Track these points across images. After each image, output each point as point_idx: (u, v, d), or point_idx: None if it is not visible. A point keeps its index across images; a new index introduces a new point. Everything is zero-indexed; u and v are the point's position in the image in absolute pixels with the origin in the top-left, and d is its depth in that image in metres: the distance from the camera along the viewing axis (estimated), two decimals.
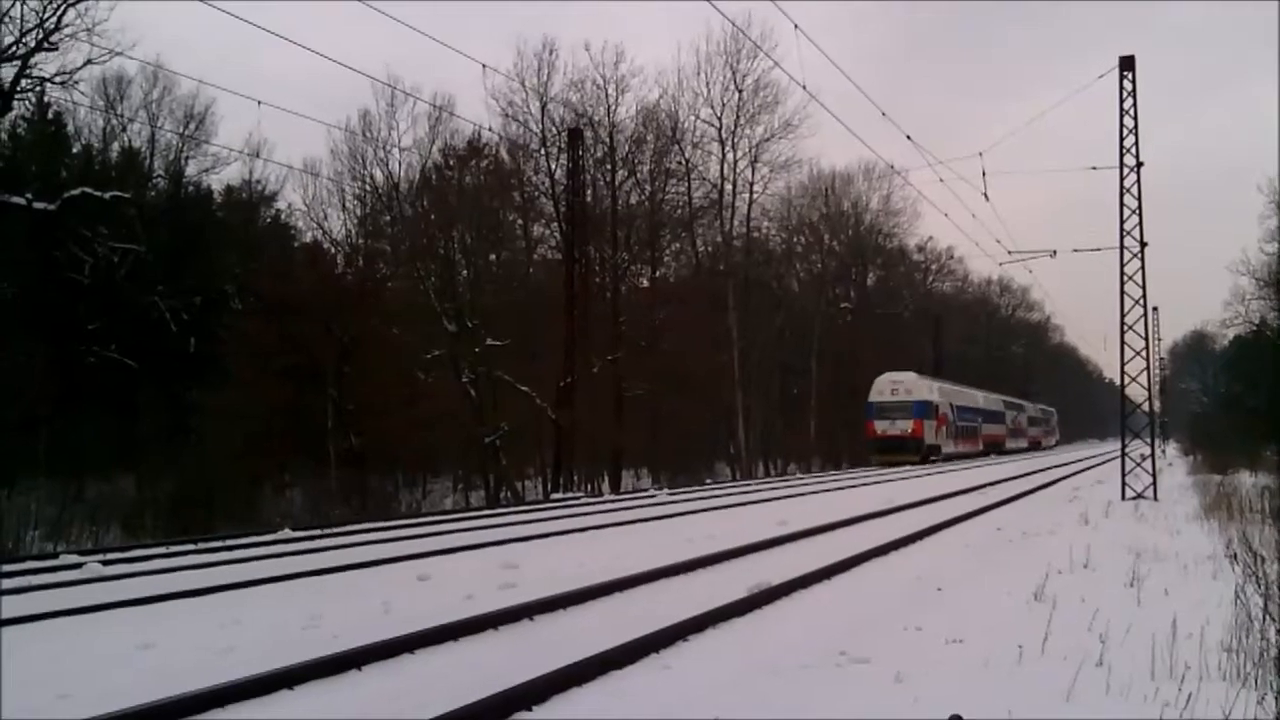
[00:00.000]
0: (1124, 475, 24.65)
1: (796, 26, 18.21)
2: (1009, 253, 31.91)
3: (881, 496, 24.30)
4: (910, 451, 54.37)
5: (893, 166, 38.82)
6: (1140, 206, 24.74)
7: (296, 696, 6.43)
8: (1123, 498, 23.43)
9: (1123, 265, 24.98)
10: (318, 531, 18.01)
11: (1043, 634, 7.32)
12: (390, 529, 18.03)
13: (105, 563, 12.72)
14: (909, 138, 24.56)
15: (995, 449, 72.88)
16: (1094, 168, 26.67)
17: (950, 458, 59.49)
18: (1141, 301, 24.94)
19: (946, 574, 11.50)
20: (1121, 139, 24.72)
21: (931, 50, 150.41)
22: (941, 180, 28.19)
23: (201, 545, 15.70)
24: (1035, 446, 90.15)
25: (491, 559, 12.82)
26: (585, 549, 14.41)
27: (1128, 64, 24.75)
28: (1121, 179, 24.78)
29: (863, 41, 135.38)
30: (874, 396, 56.78)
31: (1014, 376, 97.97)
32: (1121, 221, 24.87)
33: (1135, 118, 24.59)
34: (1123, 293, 24.99)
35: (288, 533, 17.48)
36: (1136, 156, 24.62)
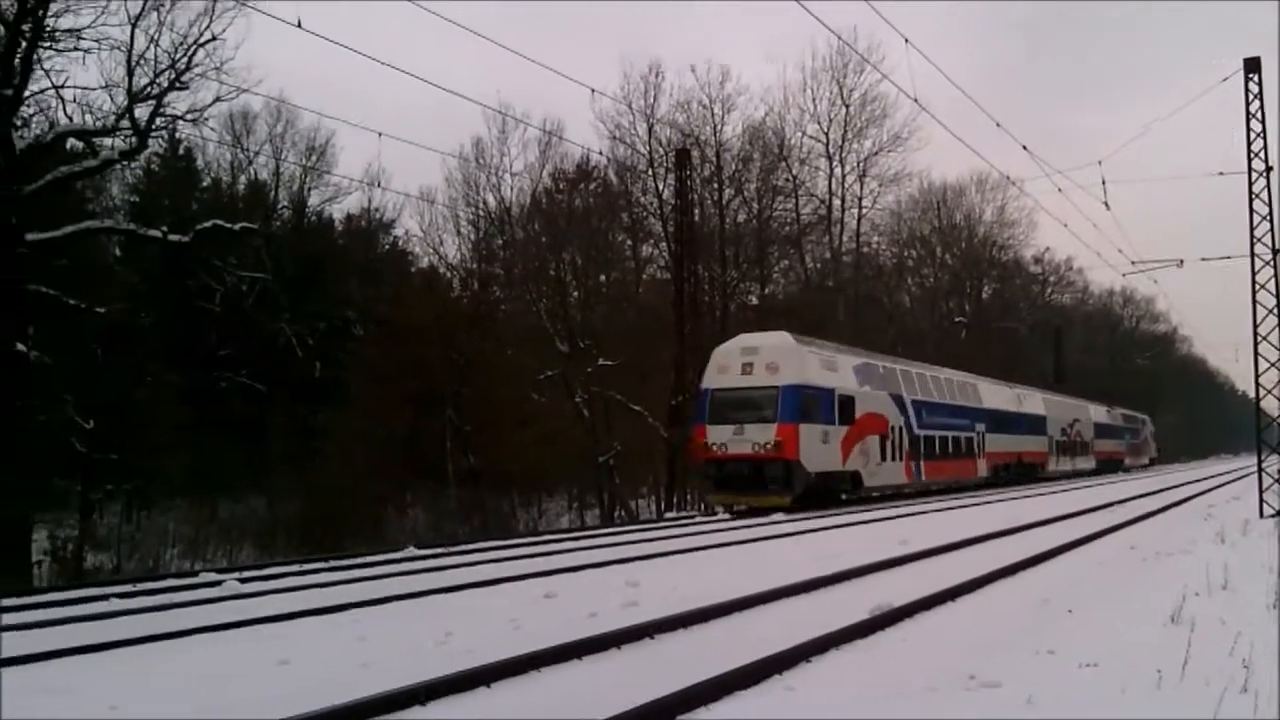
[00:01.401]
0: (1261, 491, 23.58)
1: (907, 41, 17.98)
2: (1132, 263, 30.92)
3: (1005, 516, 23.70)
4: (772, 486, 27.82)
5: (1008, 177, 37.94)
6: (1271, 213, 23.73)
7: (429, 712, 6.61)
8: (1260, 515, 22.38)
9: (1254, 274, 23.97)
10: (441, 550, 18.42)
11: (1182, 658, 7.07)
12: (511, 547, 18.33)
13: (242, 580, 13.24)
14: (1025, 148, 24.04)
15: (1023, 472, 48.03)
16: (1220, 173, 25.74)
17: (899, 496, 34.67)
18: (1275, 311, 23.87)
19: (1077, 595, 11.18)
20: (1249, 143, 23.79)
21: (1047, 57, 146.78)
22: (1060, 190, 27.49)
23: (332, 563, 16.21)
24: (1111, 466, 66.74)
25: (612, 577, 12.94)
26: (703, 568, 14.44)
27: (1253, 66, 23.80)
28: (1250, 184, 23.83)
29: (975, 51, 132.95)
30: (712, 378, 29.69)
31: (1139, 390, 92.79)
32: (1252, 229, 23.88)
33: (1263, 121, 23.64)
34: (1255, 302, 23.97)
35: (412, 551, 17.92)
36: (1265, 160, 23.67)
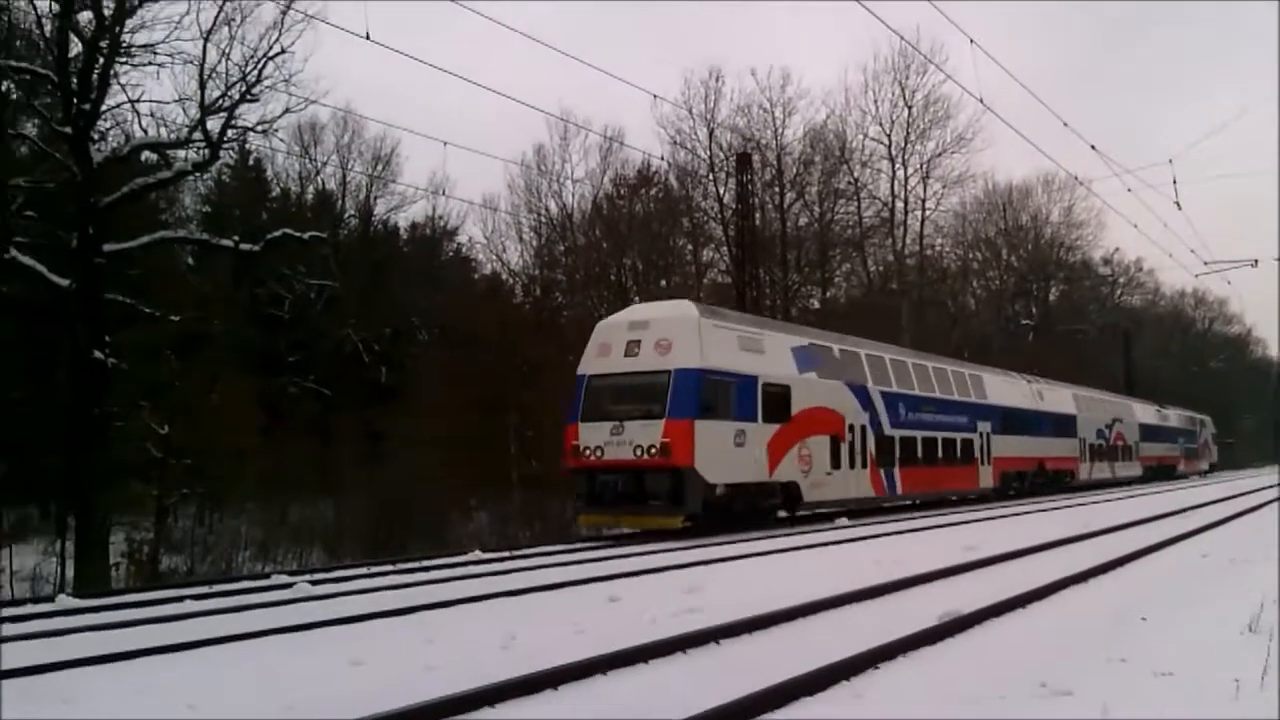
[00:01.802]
0: None
1: (972, 40, 17.80)
2: (1205, 263, 30.26)
3: (1076, 521, 23.27)
4: (655, 501, 20.90)
5: (1076, 177, 37.31)
6: None
7: (498, 714, 6.67)
8: None
9: None
10: (506, 553, 18.58)
11: (1261, 667, 6.91)
12: (572, 551, 18.43)
13: (313, 582, 13.48)
14: (1093, 147, 23.68)
15: (1048, 481, 40.72)
16: None
17: (867, 512, 27.75)
18: None
19: (1151, 602, 10.95)
20: None
21: (1116, 54, 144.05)
22: (1129, 190, 27.03)
23: (399, 566, 16.43)
24: (1162, 473, 59.07)
25: (676, 582, 12.95)
26: (768, 573, 14.39)
27: None
28: None
29: (1042, 49, 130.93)
30: (589, 362, 23.01)
31: (1210, 394, 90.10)
32: None
33: None
34: None
35: (478, 554, 18.11)
36: None
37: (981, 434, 34.99)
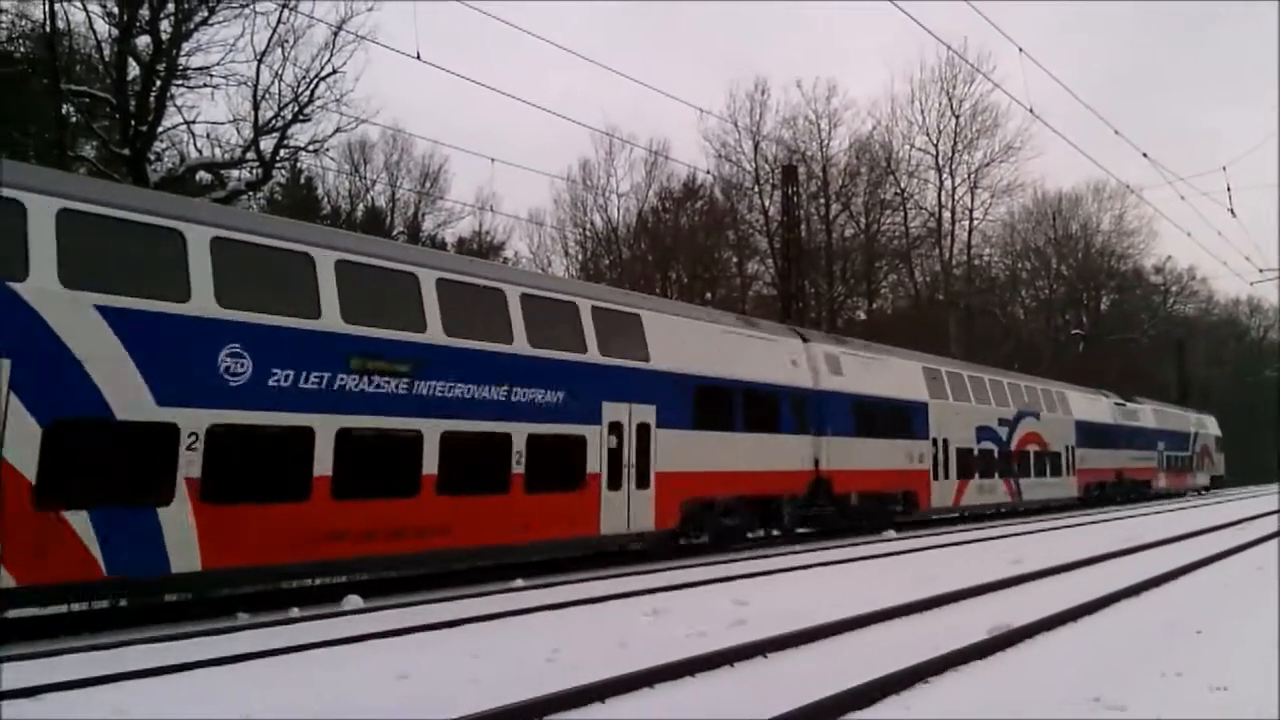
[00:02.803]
0: None
1: (1021, 49, 17.68)
2: (1260, 270, 29.73)
3: (1124, 534, 22.92)
4: None
5: (1127, 185, 36.88)
6: None
7: None
8: None
9: None
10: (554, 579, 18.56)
11: None
12: (614, 565, 18.40)
13: (363, 596, 13.60)
14: (1145, 155, 23.36)
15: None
16: None
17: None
18: None
19: (1204, 616, 10.76)
20: None
21: (1169, 60, 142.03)
22: (1183, 198, 26.64)
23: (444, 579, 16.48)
24: (1126, 491, 43.91)
25: (721, 595, 12.92)
26: (813, 586, 14.30)
27: None
28: None
29: (1092, 56, 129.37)
30: None
31: (1266, 402, 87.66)
32: None
33: None
34: None
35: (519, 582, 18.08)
36: None
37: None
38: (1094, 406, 41.13)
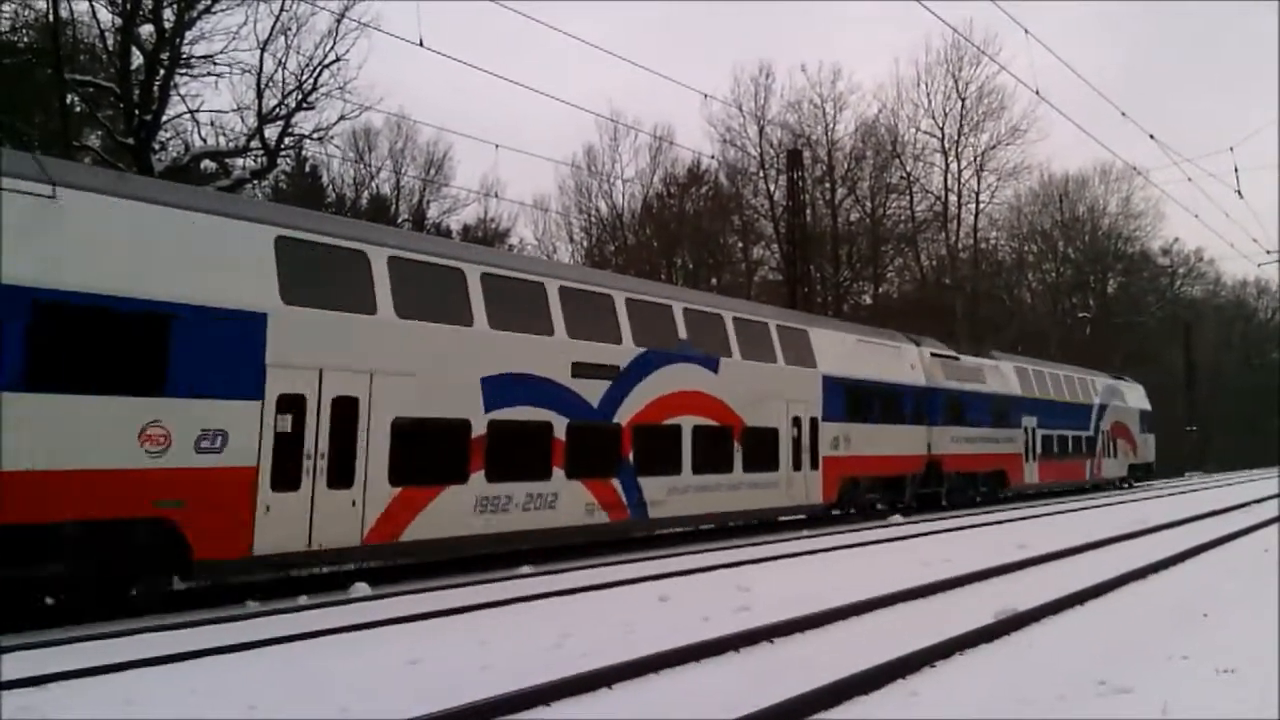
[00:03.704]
0: None
1: (1027, 31, 17.61)
2: (1268, 252, 29.62)
3: (1132, 517, 22.90)
4: None
5: (1134, 167, 36.66)
6: None
7: (554, 712, 6.74)
8: None
9: None
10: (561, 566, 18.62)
11: None
12: (622, 550, 18.45)
13: (372, 584, 13.65)
14: (1152, 136, 23.30)
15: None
16: None
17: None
18: None
19: (1211, 599, 10.78)
20: None
21: (1174, 43, 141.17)
22: (1189, 179, 26.55)
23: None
24: (992, 483, 32.63)
25: (726, 581, 12.96)
26: (819, 571, 14.33)
27: None
28: None
29: (1098, 38, 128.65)
30: None
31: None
32: None
33: None
34: None
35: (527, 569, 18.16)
36: None
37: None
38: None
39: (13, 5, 27.58)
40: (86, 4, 26.64)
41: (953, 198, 56.63)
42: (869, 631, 9.42)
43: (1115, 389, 43.73)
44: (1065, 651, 8.41)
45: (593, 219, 54.57)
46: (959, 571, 12.78)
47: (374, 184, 47.68)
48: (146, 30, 27.53)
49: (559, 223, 54.38)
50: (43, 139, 25.97)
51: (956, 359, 31.06)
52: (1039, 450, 34.87)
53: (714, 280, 53.16)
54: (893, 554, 16.65)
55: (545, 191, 77.00)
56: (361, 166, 46.99)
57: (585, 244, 54.63)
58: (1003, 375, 33.67)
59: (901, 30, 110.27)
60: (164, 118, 27.86)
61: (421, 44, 17.75)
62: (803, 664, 7.80)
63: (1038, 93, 21.76)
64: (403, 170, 48.07)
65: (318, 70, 29.16)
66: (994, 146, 56.39)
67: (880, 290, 55.96)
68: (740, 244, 54.56)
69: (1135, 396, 46.37)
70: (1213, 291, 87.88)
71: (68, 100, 25.88)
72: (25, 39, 27.61)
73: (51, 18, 24.52)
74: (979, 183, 57.25)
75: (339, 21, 29.13)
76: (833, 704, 6.73)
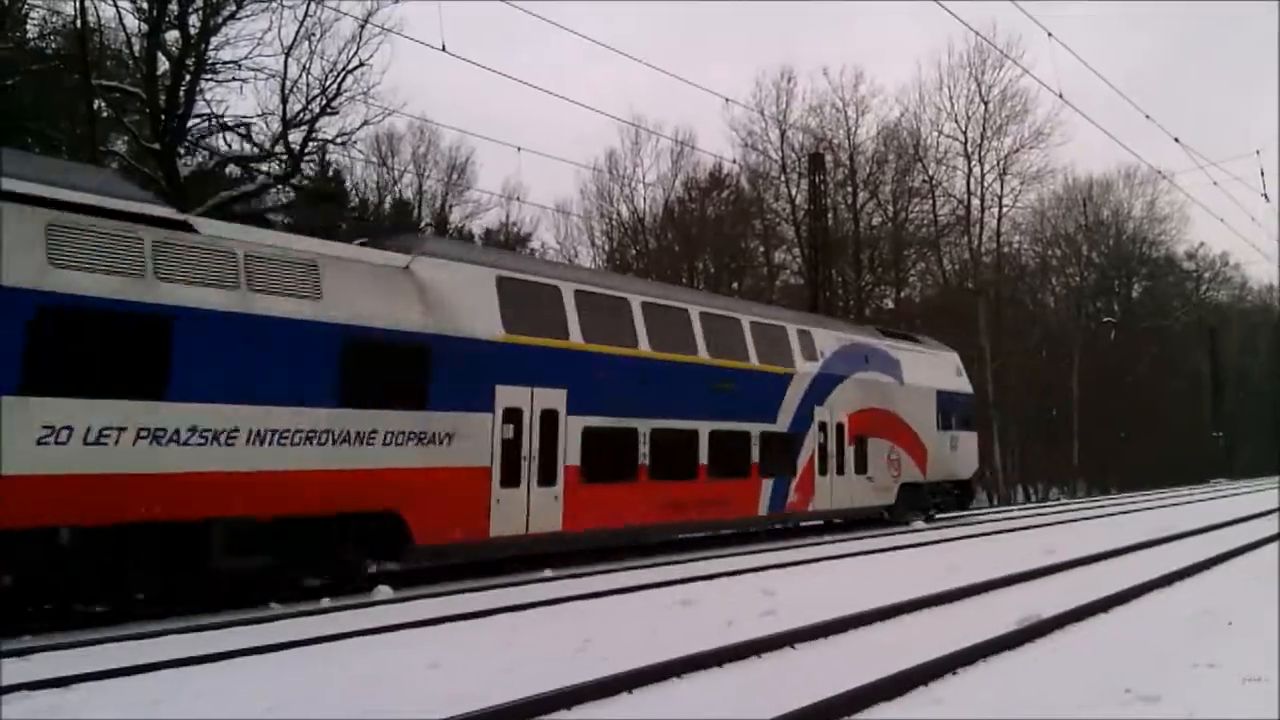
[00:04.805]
0: None
1: (1050, 34, 17.52)
2: None
3: (1160, 522, 22.72)
4: None
5: (1159, 171, 36.43)
6: None
7: (574, 716, 6.73)
8: None
9: None
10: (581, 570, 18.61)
11: None
12: (644, 555, 18.44)
13: (395, 586, 13.70)
14: (1177, 140, 23.11)
15: None
16: None
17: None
18: None
19: (1238, 606, 10.65)
20: None
21: (1198, 45, 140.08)
22: (1215, 183, 26.43)
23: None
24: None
25: (749, 585, 12.93)
26: (843, 576, 14.29)
27: None
28: None
29: (1122, 41, 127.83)
30: None
31: None
32: None
33: None
34: None
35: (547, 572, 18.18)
36: None
37: None
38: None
39: (41, 12, 27.90)
40: (113, 10, 26.91)
41: (975, 201, 56.36)
42: (894, 637, 9.37)
43: (874, 354, 25.36)
44: (1090, 659, 8.34)
45: (614, 223, 54.66)
46: (984, 577, 12.69)
47: (397, 188, 47.91)
48: (172, 36, 27.79)
49: (580, 227, 54.49)
50: (70, 144, 26.22)
51: None
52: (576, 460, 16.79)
53: (735, 285, 53.10)
54: (920, 559, 16.59)
55: (567, 195, 77.16)
56: (385, 171, 47.23)
57: (606, 248, 54.71)
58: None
59: (924, 33, 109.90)
60: (189, 123, 28.08)
61: (444, 49, 17.84)
62: (826, 670, 7.76)
63: (1061, 96, 21.68)
64: (425, 174, 48.30)
65: (341, 75, 29.36)
66: (1017, 150, 56.07)
67: (902, 294, 55.76)
68: (762, 248, 54.48)
69: (932, 370, 27.80)
70: (1239, 296, 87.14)
71: (95, 106, 26.11)
72: (53, 45, 27.89)
73: (79, 24, 24.76)
74: (1002, 186, 56.95)
75: (362, 27, 29.32)
76: (856, 710, 6.70)
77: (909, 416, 25.98)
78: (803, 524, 23.63)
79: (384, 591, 13.22)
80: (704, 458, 19.04)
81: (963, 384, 29.26)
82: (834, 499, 22.89)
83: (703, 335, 19.64)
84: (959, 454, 28.20)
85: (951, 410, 27.99)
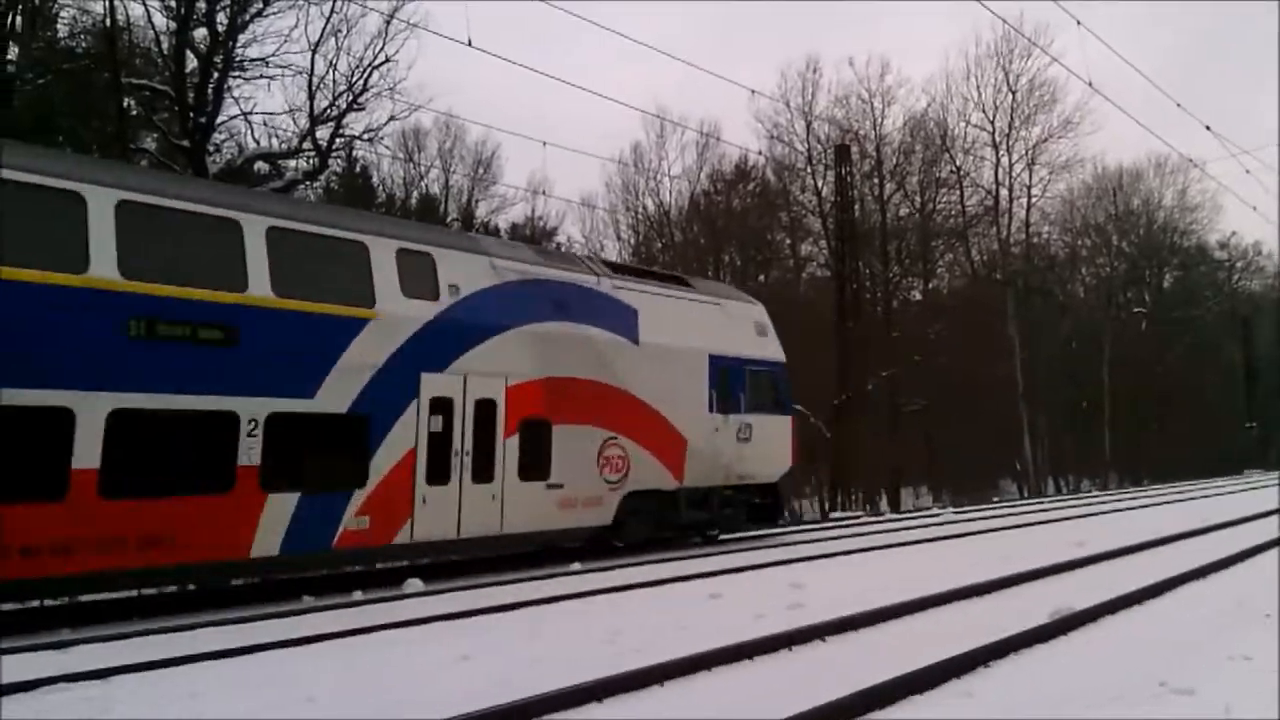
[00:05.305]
0: None
1: (1079, 22, 17.34)
2: None
3: (1194, 514, 22.51)
4: None
5: (1190, 159, 35.97)
6: None
7: (605, 709, 6.75)
8: None
9: None
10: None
11: None
12: (674, 547, 18.46)
13: (425, 579, 13.78)
14: (1208, 128, 22.84)
15: None
16: None
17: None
18: None
19: (1272, 599, 10.53)
20: None
21: (1229, 32, 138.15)
22: (1247, 171, 26.01)
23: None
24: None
25: (777, 579, 12.92)
26: (871, 569, 14.25)
27: None
28: None
29: (1153, 28, 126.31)
30: None
31: None
32: None
33: None
34: None
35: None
36: None
37: None
38: None
39: (71, 12, 28.16)
40: (142, 9, 27.10)
41: (1004, 192, 55.89)
42: (922, 631, 9.34)
43: (580, 297, 17.16)
44: (1123, 651, 8.28)
45: (640, 216, 54.62)
46: (1015, 570, 12.63)
47: (423, 184, 48.10)
48: (200, 34, 27.95)
49: (606, 220, 54.48)
50: (100, 143, 26.47)
51: None
52: None
53: (761, 277, 52.94)
54: (949, 552, 16.53)
55: (592, 189, 77.17)
56: (411, 166, 47.41)
57: (632, 241, 54.67)
58: None
59: (950, 23, 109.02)
60: (218, 120, 28.27)
61: (470, 43, 17.89)
62: (856, 663, 7.75)
63: (1090, 84, 21.46)
64: (451, 169, 48.46)
65: (368, 71, 29.45)
66: (1046, 140, 55.56)
67: (930, 286, 55.40)
68: (788, 240, 54.27)
69: (705, 326, 19.50)
70: (1272, 285, 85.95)
71: (125, 104, 26.33)
72: (83, 44, 28.15)
73: (108, 23, 24.96)
74: (1030, 176, 56.43)
75: (388, 22, 29.38)
76: (887, 703, 6.68)
77: (650, 391, 17.63)
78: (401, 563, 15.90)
79: (415, 585, 13.31)
80: (88, 459, 10.68)
81: (766, 348, 20.73)
82: (465, 522, 14.66)
83: (117, 243, 11.37)
84: (755, 447, 19.75)
85: (739, 384, 19.55)
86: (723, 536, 19.81)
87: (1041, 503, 35.48)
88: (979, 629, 8.71)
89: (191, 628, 10.24)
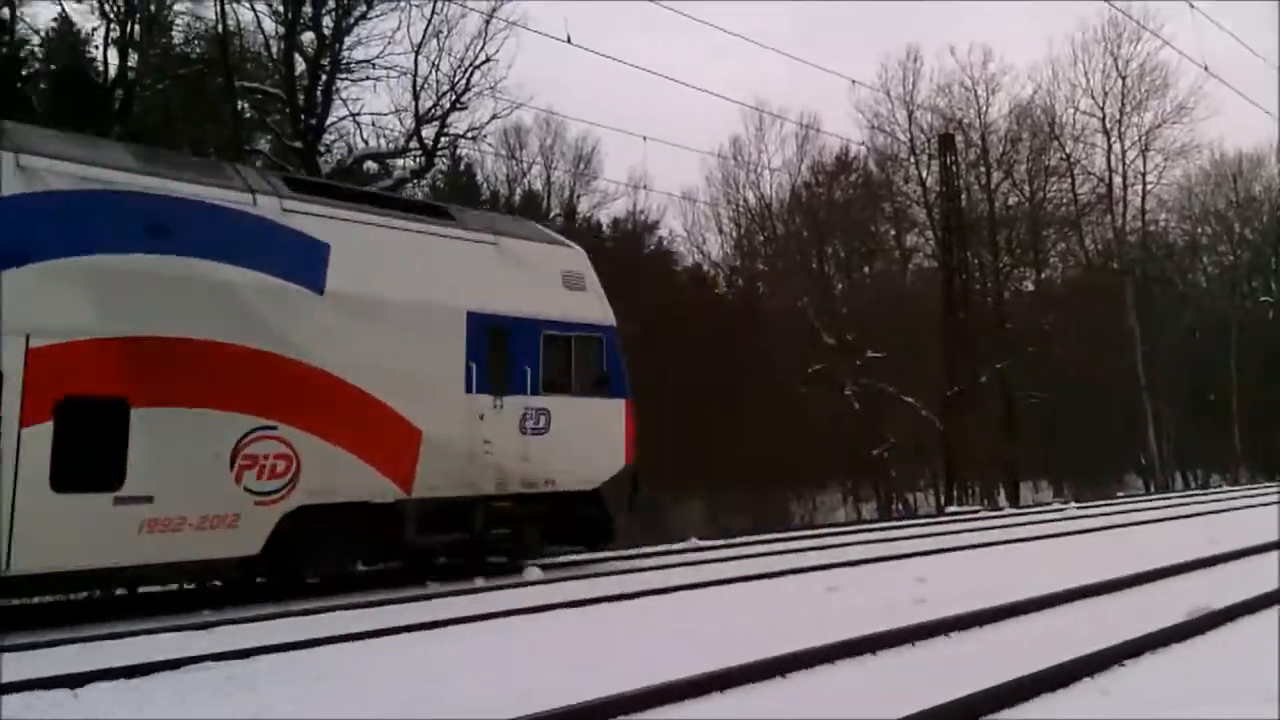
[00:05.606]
0: None
1: (1193, 5, 16.65)
2: None
3: None
4: None
5: None
6: None
7: (726, 699, 6.71)
8: None
9: None
10: (721, 542, 18.73)
11: None
12: (788, 539, 18.38)
13: (543, 568, 13.97)
14: None
15: None
16: None
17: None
18: None
19: None
20: None
21: None
22: None
23: (620, 554, 16.78)
24: None
25: (896, 572, 12.72)
26: (993, 564, 13.94)
27: None
28: None
29: (1272, 11, 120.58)
30: None
31: None
32: None
33: None
34: None
35: (694, 542, 18.35)
36: None
37: None
38: None
39: (185, 19, 29.24)
40: (251, 14, 27.97)
41: (1117, 179, 54.08)
42: (1050, 627, 9.07)
43: (187, 215, 11.25)
44: (1265, 653, 7.89)
45: (741, 209, 54.37)
46: (1144, 566, 12.17)
47: (526, 180, 48.72)
48: (308, 37, 28.77)
49: (707, 214, 54.36)
50: (217, 145, 27.43)
51: None
52: None
53: (866, 269, 52.25)
54: (1073, 548, 16.09)
55: (693, 183, 77.20)
56: (514, 163, 48.05)
57: (734, 235, 54.48)
58: None
59: (1053, 9, 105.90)
60: (328, 121, 29.04)
61: (569, 40, 18.00)
62: (985, 659, 7.56)
63: (1206, 68, 20.60)
64: (553, 166, 48.95)
65: (469, 71, 29.90)
66: (1159, 125, 53.54)
67: (1043, 276, 53.95)
68: (892, 231, 53.45)
69: (469, 271, 13.96)
70: None
71: (239, 107, 27.23)
72: (197, 49, 29.22)
73: (220, 28, 25.85)
74: (1145, 163, 54.47)
75: (488, 22, 29.78)
76: (1019, 699, 6.50)
77: (347, 362, 12.22)
78: None
79: (534, 573, 13.48)
80: None
81: (582, 307, 15.44)
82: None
83: None
84: (556, 441, 14.46)
85: (526, 355, 14.25)
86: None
87: (1168, 497, 34.27)
88: (1111, 627, 8.41)
89: (321, 611, 10.52)
